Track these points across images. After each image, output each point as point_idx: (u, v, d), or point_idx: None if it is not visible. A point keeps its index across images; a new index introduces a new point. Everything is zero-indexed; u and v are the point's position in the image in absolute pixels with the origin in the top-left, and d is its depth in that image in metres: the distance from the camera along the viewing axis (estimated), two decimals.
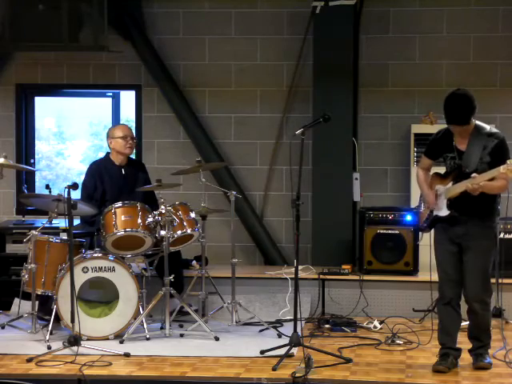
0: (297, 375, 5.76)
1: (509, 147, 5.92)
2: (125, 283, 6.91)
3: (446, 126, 6.08)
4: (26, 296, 7.15)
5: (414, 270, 8.04)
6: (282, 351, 6.25)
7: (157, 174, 7.64)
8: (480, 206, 5.92)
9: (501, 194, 6.02)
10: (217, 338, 6.82)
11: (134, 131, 8.14)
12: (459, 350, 6.12)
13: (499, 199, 6.04)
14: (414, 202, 8.49)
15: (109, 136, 7.79)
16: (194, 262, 8.19)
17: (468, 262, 5.98)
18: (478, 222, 5.94)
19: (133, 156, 8.12)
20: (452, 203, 5.98)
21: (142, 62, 9.26)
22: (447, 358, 6.02)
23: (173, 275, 6.95)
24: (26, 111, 9.57)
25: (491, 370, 5.98)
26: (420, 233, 6.44)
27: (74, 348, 6.39)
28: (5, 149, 8.37)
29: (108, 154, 7.85)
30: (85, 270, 6.88)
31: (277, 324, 7.34)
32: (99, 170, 7.71)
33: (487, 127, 5.96)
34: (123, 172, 7.73)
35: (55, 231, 7.79)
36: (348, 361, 6.21)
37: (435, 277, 6.26)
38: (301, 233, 6.37)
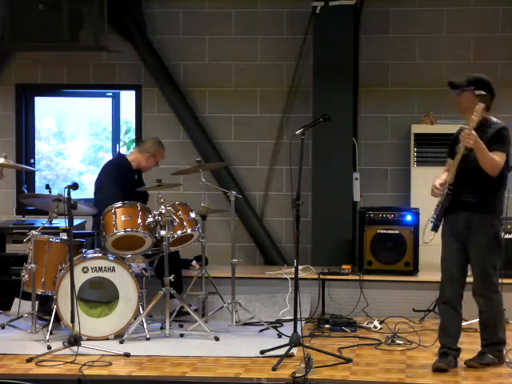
0: (297, 375, 5.76)
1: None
2: (125, 283, 6.91)
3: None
4: (26, 296, 7.15)
5: (414, 270, 8.04)
6: (282, 351, 6.25)
7: (157, 174, 7.63)
8: (480, 201, 5.96)
9: (501, 190, 6.02)
10: (217, 338, 6.82)
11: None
12: (458, 350, 6.11)
13: (502, 198, 6.05)
14: (414, 201, 8.51)
15: (148, 147, 7.83)
16: (194, 262, 8.19)
17: (471, 259, 6.04)
18: (479, 218, 5.97)
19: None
20: (452, 191, 6.01)
21: (142, 62, 9.26)
22: (446, 357, 6.02)
23: (173, 275, 6.96)
24: (26, 111, 9.57)
25: (491, 369, 5.97)
26: (432, 232, 6.36)
27: (74, 348, 6.39)
28: (5, 149, 8.35)
29: (123, 156, 7.87)
30: (85, 270, 6.88)
31: (277, 324, 7.34)
32: (121, 167, 7.74)
33: (493, 119, 6.02)
34: (136, 177, 7.82)
35: (55, 231, 7.78)
36: (348, 361, 6.20)
37: (438, 277, 6.26)
38: (301, 233, 6.38)
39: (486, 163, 5.88)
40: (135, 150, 7.99)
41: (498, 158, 5.89)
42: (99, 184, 7.83)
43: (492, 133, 5.94)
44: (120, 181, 7.64)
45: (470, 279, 6.17)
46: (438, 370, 5.95)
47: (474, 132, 5.81)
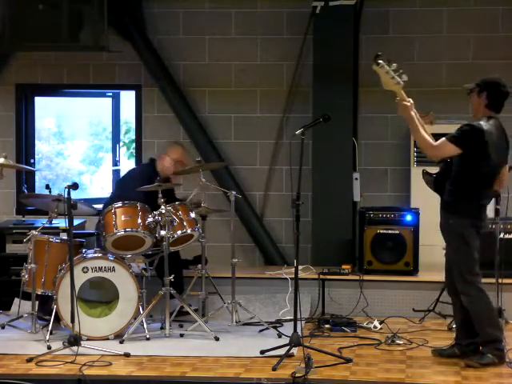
0: (297, 375, 5.76)
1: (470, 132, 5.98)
2: (125, 283, 6.91)
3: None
4: (26, 296, 7.15)
5: (414, 270, 8.04)
6: (282, 351, 6.25)
7: None
8: (449, 200, 6.09)
9: (473, 192, 6.05)
10: (217, 338, 6.82)
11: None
12: (469, 345, 6.19)
13: (476, 201, 6.05)
14: (414, 202, 8.51)
15: (166, 150, 7.76)
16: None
17: None
18: (446, 218, 6.11)
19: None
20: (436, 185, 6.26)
21: (142, 61, 9.26)
22: (451, 347, 6.26)
23: (173, 275, 6.96)
24: (26, 111, 9.57)
25: (491, 369, 5.98)
26: None
27: (74, 348, 6.39)
28: (5, 149, 8.37)
29: (153, 161, 7.80)
30: (85, 270, 6.88)
31: (277, 324, 7.34)
32: (147, 175, 7.54)
33: (482, 120, 6.04)
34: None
35: (55, 231, 7.78)
36: (348, 361, 6.21)
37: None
38: (301, 233, 6.38)
39: (416, 140, 6.11)
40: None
41: (440, 142, 5.97)
42: (122, 191, 7.70)
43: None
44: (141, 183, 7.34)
45: None
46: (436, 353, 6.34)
47: (406, 103, 5.97)
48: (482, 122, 6.00)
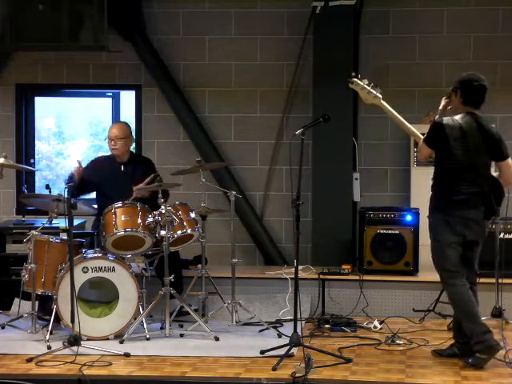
0: (297, 375, 5.76)
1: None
2: (125, 283, 6.91)
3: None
4: (26, 296, 7.14)
5: (414, 270, 8.04)
6: (282, 351, 6.25)
7: None
8: (431, 196, 6.18)
9: (442, 186, 6.11)
10: (217, 338, 6.82)
11: (129, 130, 8.01)
12: (464, 344, 6.19)
13: (445, 195, 6.06)
14: (414, 201, 8.51)
15: None
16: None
17: None
18: (429, 213, 6.18)
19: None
20: None
21: (141, 62, 9.26)
22: (451, 347, 6.29)
23: (173, 275, 6.96)
24: (26, 111, 9.58)
25: (491, 369, 5.97)
26: None
27: (74, 348, 6.39)
28: (5, 149, 8.37)
29: None
30: (85, 270, 6.88)
31: (277, 324, 7.34)
32: (98, 165, 7.85)
33: (453, 116, 6.16)
34: (122, 169, 7.77)
35: (55, 231, 7.78)
36: (348, 361, 6.21)
37: (438, 277, 6.28)
38: (301, 233, 6.38)
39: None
40: None
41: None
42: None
43: None
44: (88, 175, 7.70)
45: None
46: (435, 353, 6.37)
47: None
48: (445, 117, 6.12)
